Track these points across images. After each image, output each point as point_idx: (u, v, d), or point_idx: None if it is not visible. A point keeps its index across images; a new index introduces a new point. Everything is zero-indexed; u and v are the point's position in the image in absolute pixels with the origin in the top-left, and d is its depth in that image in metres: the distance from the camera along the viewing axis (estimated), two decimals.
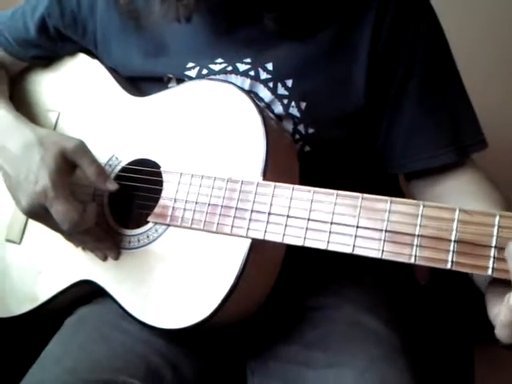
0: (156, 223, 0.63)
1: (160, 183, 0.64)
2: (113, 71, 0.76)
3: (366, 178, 0.74)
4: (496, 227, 0.46)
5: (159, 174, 0.64)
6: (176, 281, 0.59)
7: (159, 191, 0.64)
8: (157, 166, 0.65)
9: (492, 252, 0.46)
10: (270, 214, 0.56)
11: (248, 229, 0.57)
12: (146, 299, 0.60)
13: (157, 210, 0.63)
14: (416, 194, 0.72)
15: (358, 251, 0.51)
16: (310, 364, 0.61)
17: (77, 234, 0.63)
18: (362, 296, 0.69)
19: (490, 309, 0.49)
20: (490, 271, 0.46)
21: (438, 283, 0.88)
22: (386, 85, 0.67)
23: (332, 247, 0.52)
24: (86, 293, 0.68)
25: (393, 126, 0.68)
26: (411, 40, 0.66)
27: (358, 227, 0.52)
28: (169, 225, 0.62)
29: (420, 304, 0.85)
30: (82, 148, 0.63)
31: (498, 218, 0.46)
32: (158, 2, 0.66)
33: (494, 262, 0.45)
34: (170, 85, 0.71)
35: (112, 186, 0.64)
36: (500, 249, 0.45)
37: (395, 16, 0.65)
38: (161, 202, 0.63)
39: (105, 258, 0.65)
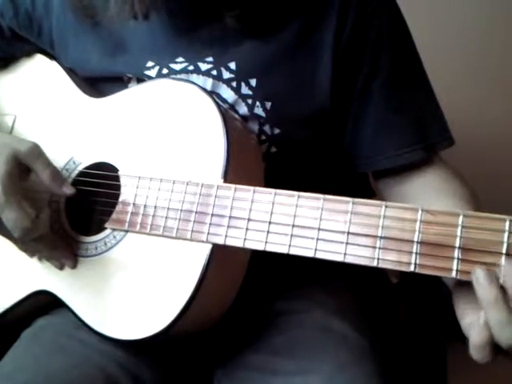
0: (114, 229, 0.60)
1: (118, 187, 0.61)
2: (71, 72, 0.73)
3: (334, 178, 0.73)
4: (460, 227, 0.44)
5: (118, 178, 0.62)
6: (134, 289, 0.57)
7: (117, 196, 0.61)
8: (115, 169, 0.63)
9: (456, 253, 0.44)
10: (230, 217, 0.54)
11: (208, 233, 0.54)
12: (104, 309, 0.58)
13: (114, 215, 0.60)
14: (384, 193, 0.70)
15: (320, 255, 0.49)
16: (277, 372, 0.59)
17: (30, 242, 0.60)
18: (332, 300, 0.68)
19: (461, 315, 0.47)
20: (453, 273, 0.44)
21: (409, 281, 0.87)
22: (350, 84, 0.66)
23: (294, 251, 0.51)
24: (43, 304, 0.65)
25: (359, 125, 0.67)
26: (374, 38, 0.65)
27: (320, 229, 0.50)
28: (127, 231, 0.59)
29: (391, 304, 0.84)
30: (36, 151, 0.60)
31: (461, 218, 0.44)
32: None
33: (458, 264, 0.44)
34: (130, 85, 0.68)
35: (68, 190, 0.61)
36: (464, 250, 0.44)
37: (358, 14, 0.64)
38: (118, 207, 0.60)
39: (61, 267, 0.62)
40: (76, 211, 0.66)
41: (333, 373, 0.56)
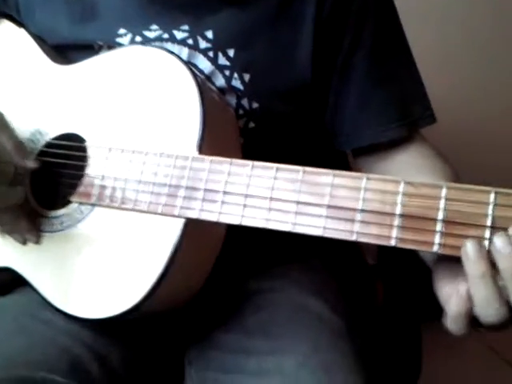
0: (80, 203, 0.57)
1: (85, 159, 0.58)
2: (39, 39, 0.69)
3: (313, 154, 0.70)
4: (443, 200, 0.42)
5: (83, 149, 0.58)
6: (101, 266, 0.54)
7: (83, 168, 0.58)
8: (83, 140, 0.59)
9: (438, 226, 0.42)
10: (205, 190, 0.51)
11: (181, 207, 0.52)
12: (68, 287, 0.55)
13: (81, 188, 0.57)
14: (364, 171, 0.68)
15: (299, 229, 0.47)
16: (250, 352, 0.57)
17: None
18: (308, 278, 0.66)
19: (439, 289, 0.46)
20: (436, 248, 0.42)
21: (386, 262, 0.86)
22: (332, 56, 0.63)
23: (271, 225, 0.48)
24: (3, 282, 0.61)
25: (340, 100, 0.65)
26: (358, 9, 0.63)
27: (298, 203, 0.47)
28: (95, 205, 0.56)
29: (367, 284, 0.83)
30: (2, 118, 0.57)
31: (444, 190, 0.43)
32: None
33: (440, 238, 0.42)
34: (100, 53, 0.65)
35: (31, 163, 0.58)
36: (447, 222, 0.42)
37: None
38: (85, 179, 0.57)
39: (24, 242, 0.58)
40: (42, 184, 0.62)
41: (308, 353, 0.54)
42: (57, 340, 0.55)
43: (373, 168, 0.67)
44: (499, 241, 0.40)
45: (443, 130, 0.70)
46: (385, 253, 0.83)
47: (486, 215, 0.41)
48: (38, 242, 0.58)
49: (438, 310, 0.46)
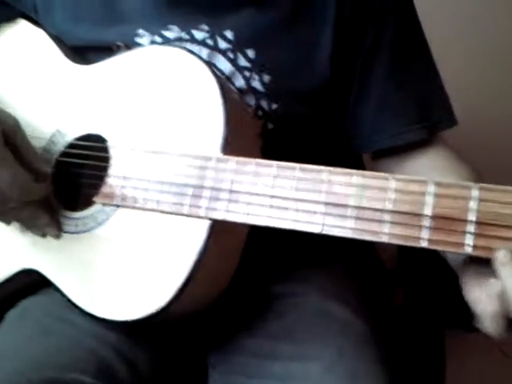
0: (104, 204, 0.57)
1: (107, 160, 0.58)
2: (57, 39, 0.68)
3: (329, 156, 0.70)
4: (474, 200, 0.42)
5: (105, 150, 0.58)
6: (127, 267, 0.54)
7: (106, 169, 0.58)
8: (105, 141, 0.59)
9: (470, 227, 0.42)
10: (231, 191, 0.51)
11: (207, 208, 0.52)
12: (94, 288, 0.55)
13: (104, 189, 0.57)
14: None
15: (328, 230, 0.47)
16: (275, 357, 0.57)
17: (14, 209, 0.56)
18: (331, 283, 0.66)
19: (468, 293, 0.46)
20: (467, 249, 0.42)
21: (406, 267, 0.86)
22: (352, 57, 0.63)
23: (299, 227, 0.48)
24: (28, 283, 0.62)
25: (360, 102, 0.65)
26: (379, 10, 0.62)
27: (326, 204, 0.47)
28: (118, 205, 0.56)
29: (386, 289, 0.83)
30: (17, 125, 0.57)
31: (475, 191, 0.42)
32: None
33: (472, 239, 0.42)
34: (119, 53, 0.64)
35: (45, 167, 0.59)
36: (479, 224, 0.42)
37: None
38: (108, 180, 0.57)
39: (43, 235, 0.58)
40: (64, 185, 0.62)
41: (333, 359, 0.54)
42: (84, 342, 0.55)
43: (393, 171, 0.66)
44: None
45: (463, 131, 0.69)
46: (405, 258, 0.82)
47: None
48: (58, 236, 0.58)
49: (461, 315, 0.45)
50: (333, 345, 0.56)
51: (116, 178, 0.56)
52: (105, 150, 0.58)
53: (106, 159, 0.58)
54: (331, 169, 0.47)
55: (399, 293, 0.91)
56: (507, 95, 1.17)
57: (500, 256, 0.41)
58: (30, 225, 0.59)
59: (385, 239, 0.45)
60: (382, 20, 0.62)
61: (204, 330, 0.64)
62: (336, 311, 0.60)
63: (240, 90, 0.62)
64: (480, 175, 0.62)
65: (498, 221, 0.41)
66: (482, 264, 0.44)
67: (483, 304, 0.43)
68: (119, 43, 0.64)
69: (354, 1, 0.61)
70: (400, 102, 0.64)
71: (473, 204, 0.42)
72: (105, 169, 0.58)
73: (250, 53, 0.62)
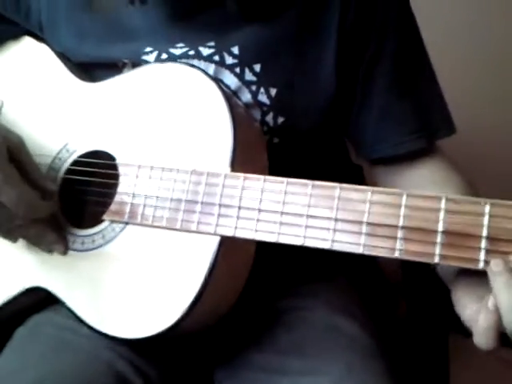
0: (112, 221, 0.57)
1: (116, 177, 0.58)
2: (62, 56, 0.68)
3: (332, 168, 0.71)
4: (487, 216, 0.42)
5: (115, 167, 0.58)
6: (137, 285, 0.54)
7: (115, 186, 0.57)
8: (112, 158, 0.59)
9: (483, 243, 0.42)
10: (240, 208, 0.51)
11: (216, 225, 0.51)
12: (104, 306, 0.54)
13: (113, 206, 0.57)
14: (383, 182, 0.69)
15: (337, 246, 0.47)
16: (284, 371, 0.56)
17: (21, 227, 0.56)
18: (337, 297, 0.66)
19: (462, 307, 0.46)
20: (481, 265, 0.42)
21: (410, 280, 0.86)
22: (354, 68, 0.64)
23: (309, 243, 0.48)
24: (37, 300, 0.61)
25: (362, 112, 0.66)
26: (380, 23, 0.63)
27: (336, 220, 0.47)
28: (127, 223, 0.56)
29: (391, 302, 0.83)
30: (22, 142, 0.58)
31: (488, 207, 0.42)
32: None
33: (485, 255, 0.42)
34: (124, 70, 0.65)
35: (51, 185, 0.59)
36: (492, 239, 0.42)
37: (361, 0, 0.62)
38: (117, 197, 0.57)
39: (50, 252, 0.58)
40: (71, 203, 0.62)
41: (342, 374, 0.54)
42: (101, 355, 0.55)
43: (393, 179, 0.67)
44: None
45: (461, 139, 0.69)
46: (409, 271, 0.82)
47: None
48: (65, 253, 0.58)
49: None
50: (341, 359, 0.56)
51: (125, 195, 0.56)
52: (113, 167, 0.58)
53: (114, 176, 0.58)
54: (342, 185, 0.47)
55: (402, 305, 0.91)
56: (505, 103, 1.17)
57: (492, 265, 0.41)
58: (36, 242, 0.59)
59: (398, 255, 0.45)
60: (383, 31, 0.63)
61: (211, 345, 0.64)
62: (343, 325, 0.60)
63: (246, 105, 0.62)
64: (474, 186, 0.62)
65: (510, 236, 0.41)
66: (473, 277, 0.44)
67: (480, 320, 0.43)
68: (126, 60, 0.64)
69: (356, 13, 0.62)
70: (401, 111, 0.65)
71: (485, 220, 0.42)
72: (113, 186, 0.57)
73: (257, 67, 0.62)
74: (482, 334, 0.42)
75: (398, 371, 0.59)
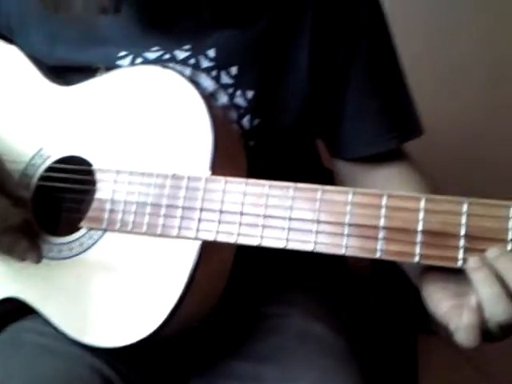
0: (90, 228, 0.56)
1: (92, 183, 0.57)
2: (34, 59, 0.67)
3: (305, 171, 0.71)
4: (465, 215, 0.43)
5: (91, 173, 0.57)
6: (116, 292, 0.53)
7: (92, 192, 0.56)
8: (88, 163, 0.58)
9: (462, 242, 0.43)
10: (221, 211, 0.51)
11: (197, 230, 0.51)
12: (83, 315, 0.53)
13: (90, 213, 0.56)
14: (352, 182, 0.69)
15: (320, 248, 0.47)
16: (259, 379, 0.57)
17: None
18: (310, 302, 0.67)
19: (435, 304, 0.47)
20: (460, 263, 0.43)
21: (379, 274, 0.87)
22: (328, 70, 0.65)
23: (292, 245, 0.48)
24: (14, 309, 0.59)
25: (336, 113, 0.67)
26: (352, 25, 0.64)
27: (318, 222, 0.48)
28: (105, 229, 0.55)
29: (360, 298, 0.84)
30: None
31: (466, 206, 0.43)
32: None
33: (464, 253, 0.43)
34: (98, 74, 0.63)
35: (24, 192, 0.58)
36: (470, 238, 0.43)
37: (333, 2, 0.63)
38: (95, 204, 0.56)
39: (23, 260, 0.57)
40: (47, 210, 0.60)
41: (317, 380, 0.55)
42: (85, 360, 0.54)
43: (361, 179, 0.68)
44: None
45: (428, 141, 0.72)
46: (377, 265, 0.84)
47: (506, 229, 0.42)
48: (37, 261, 0.57)
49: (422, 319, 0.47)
50: (316, 365, 0.57)
51: (103, 201, 0.55)
52: (89, 172, 0.57)
53: (91, 182, 0.57)
54: (324, 187, 0.48)
55: (371, 300, 0.92)
56: (471, 107, 1.21)
57: (470, 263, 0.42)
58: (9, 251, 0.57)
59: (379, 255, 0.46)
60: (356, 33, 0.64)
61: (187, 353, 0.63)
62: (317, 331, 0.61)
63: (222, 107, 0.62)
64: (436, 187, 0.64)
65: (487, 234, 0.43)
66: (443, 272, 0.45)
67: (456, 317, 0.44)
68: (99, 65, 0.63)
69: (328, 15, 0.63)
70: (374, 112, 0.66)
71: (463, 219, 0.43)
72: (90, 192, 0.56)
73: (233, 70, 0.62)
74: (465, 332, 0.43)
75: (371, 372, 0.60)
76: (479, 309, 0.43)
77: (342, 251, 0.47)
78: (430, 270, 0.47)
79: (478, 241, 0.43)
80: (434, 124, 0.73)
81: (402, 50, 0.70)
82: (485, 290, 0.42)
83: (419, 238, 0.45)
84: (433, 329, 0.49)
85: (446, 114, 1.14)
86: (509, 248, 0.42)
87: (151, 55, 0.62)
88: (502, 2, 1.20)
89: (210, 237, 0.51)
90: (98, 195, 0.56)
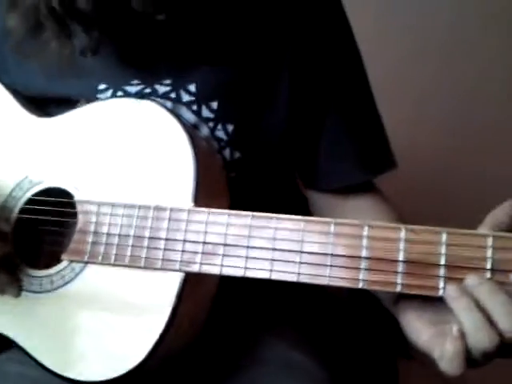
0: (72, 261, 0.55)
1: (74, 215, 0.56)
2: (12, 90, 0.67)
3: (285, 198, 0.73)
4: (444, 245, 0.44)
5: (72, 205, 0.57)
6: (98, 326, 0.52)
7: (73, 224, 0.56)
8: (69, 195, 0.58)
9: (441, 271, 0.44)
10: (205, 243, 0.51)
11: (181, 261, 0.51)
12: (64, 350, 0.52)
13: (72, 245, 0.55)
14: (324, 211, 0.71)
15: (304, 279, 0.48)
16: None
17: None
18: (291, 330, 0.67)
19: (416, 333, 0.46)
20: (441, 292, 0.44)
21: (357, 296, 0.87)
22: (306, 106, 0.66)
23: (275, 276, 0.48)
24: None
25: (312, 147, 0.68)
26: (328, 64, 0.66)
27: (302, 252, 0.48)
28: (87, 262, 0.54)
29: (340, 323, 0.84)
30: None
31: (445, 235, 0.44)
32: (53, 38, 0.58)
33: (444, 282, 0.44)
34: (79, 106, 0.63)
35: (4, 226, 0.57)
36: (449, 267, 0.44)
37: (311, 41, 0.65)
38: (76, 236, 0.55)
39: (2, 293, 0.56)
40: (28, 243, 0.60)
41: None
42: None
43: (332, 208, 0.70)
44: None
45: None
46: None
47: (485, 258, 0.43)
48: (17, 295, 0.56)
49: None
50: None
51: (85, 233, 0.55)
52: (71, 205, 0.57)
53: (73, 214, 0.56)
54: (307, 218, 0.48)
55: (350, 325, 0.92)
56: (443, 139, 1.24)
57: (449, 292, 0.43)
58: None
59: (361, 286, 0.46)
60: (333, 73, 0.66)
61: None
62: (296, 359, 0.62)
63: (205, 138, 0.63)
64: (403, 218, 0.66)
65: (467, 263, 0.44)
66: (419, 300, 0.46)
67: (439, 346, 0.44)
68: (79, 98, 0.63)
69: (306, 54, 0.65)
70: (347, 147, 0.68)
71: (443, 248, 0.44)
72: (71, 224, 0.56)
73: (214, 105, 0.63)
74: (450, 361, 0.43)
75: None
76: (462, 337, 0.43)
77: (325, 282, 0.47)
78: (406, 298, 0.48)
79: (457, 270, 0.44)
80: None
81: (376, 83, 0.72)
82: (467, 319, 0.43)
83: (400, 267, 0.45)
84: (412, 354, 0.49)
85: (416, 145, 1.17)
86: (488, 276, 0.43)
87: (132, 89, 0.63)
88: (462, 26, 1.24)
89: (195, 268, 0.51)
90: (79, 227, 0.55)
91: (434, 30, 1.23)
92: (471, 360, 0.44)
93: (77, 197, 0.57)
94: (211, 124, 0.63)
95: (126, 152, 0.57)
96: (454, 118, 1.24)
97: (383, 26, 1.22)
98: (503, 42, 1.22)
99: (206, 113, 0.63)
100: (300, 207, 0.75)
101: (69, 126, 0.61)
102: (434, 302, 0.45)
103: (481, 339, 0.42)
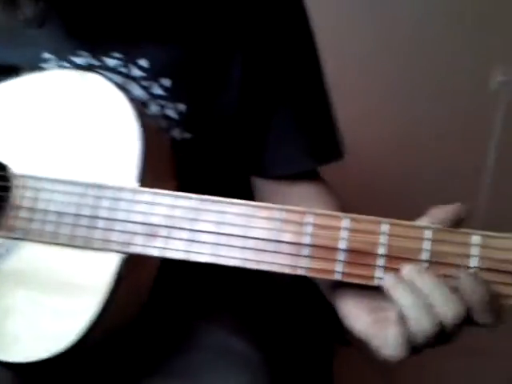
0: (6, 238, 0.52)
1: (7, 189, 0.54)
2: None
3: (230, 184, 0.72)
4: (384, 235, 0.45)
5: (7, 179, 0.54)
6: (33, 306, 0.50)
7: (6, 199, 0.53)
8: (4, 168, 0.55)
9: (380, 261, 0.45)
10: (146, 224, 0.50)
11: (120, 242, 0.50)
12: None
13: (5, 221, 0.52)
14: (267, 198, 0.71)
15: (248, 264, 0.48)
16: None
17: None
18: (228, 316, 0.68)
19: (353, 320, 0.47)
20: (376, 281, 0.45)
21: (299, 282, 0.88)
22: (257, 93, 0.66)
23: (220, 261, 0.48)
24: None
25: (261, 132, 0.68)
26: (281, 49, 0.65)
27: (246, 237, 0.48)
28: (22, 239, 0.52)
29: (279, 306, 0.85)
30: None
31: (386, 226, 0.46)
32: None
33: (381, 272, 0.45)
34: (21, 75, 0.60)
35: None
36: (388, 257, 0.45)
37: (264, 23, 0.64)
38: (11, 212, 0.52)
39: None
40: None
41: None
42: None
43: (275, 196, 0.69)
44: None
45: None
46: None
47: (421, 250, 0.45)
48: None
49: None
50: (232, 380, 0.58)
51: (20, 209, 0.52)
52: (5, 178, 0.54)
53: (6, 188, 0.53)
54: (255, 203, 0.48)
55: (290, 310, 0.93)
56: (395, 133, 1.28)
57: (385, 281, 0.44)
58: None
59: (301, 272, 0.47)
60: (285, 58, 0.66)
61: (102, 370, 0.61)
62: (234, 345, 0.62)
63: (154, 116, 0.61)
64: (345, 209, 0.67)
65: (405, 254, 0.45)
66: (358, 289, 0.47)
67: (380, 333, 0.44)
68: (22, 66, 0.60)
69: (259, 37, 0.64)
70: (294, 135, 0.68)
71: (383, 238, 0.45)
72: (4, 199, 0.53)
73: (166, 82, 0.61)
74: (392, 347, 0.43)
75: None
76: (404, 321, 0.43)
77: (265, 267, 0.47)
78: (344, 285, 0.48)
79: (396, 260, 0.45)
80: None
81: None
82: (406, 302, 0.43)
83: (341, 256, 0.46)
84: (349, 340, 0.50)
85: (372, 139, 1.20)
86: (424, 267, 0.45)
87: (78, 60, 0.60)
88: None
89: (134, 250, 0.50)
90: (14, 202, 0.53)
91: (397, 27, 1.26)
92: (411, 346, 0.44)
93: (12, 170, 0.54)
94: (162, 102, 0.61)
95: (69, 126, 0.54)
96: (402, 115, 1.28)
97: (345, 22, 1.23)
98: (466, 41, 1.26)
99: (157, 90, 0.61)
100: (247, 193, 0.75)
101: (7, 96, 0.58)
102: (371, 290, 0.46)
103: (421, 321, 0.42)
